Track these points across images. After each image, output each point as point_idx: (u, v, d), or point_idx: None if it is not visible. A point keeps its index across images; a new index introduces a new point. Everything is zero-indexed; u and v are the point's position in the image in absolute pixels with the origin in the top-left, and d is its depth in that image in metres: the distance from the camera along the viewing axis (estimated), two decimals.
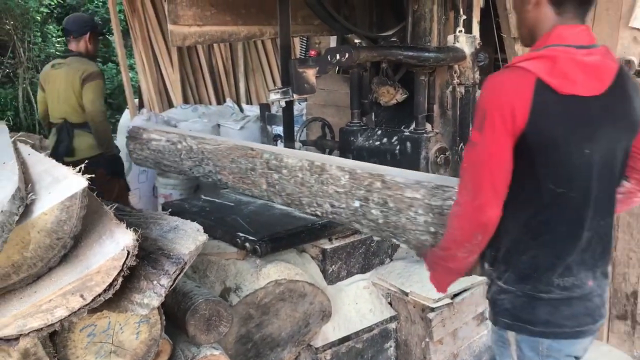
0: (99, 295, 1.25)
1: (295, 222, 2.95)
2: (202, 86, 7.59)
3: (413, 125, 3.39)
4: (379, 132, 3.69)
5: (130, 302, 1.39)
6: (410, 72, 3.35)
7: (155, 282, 1.40)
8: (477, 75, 3.10)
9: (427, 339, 2.89)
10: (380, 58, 3.04)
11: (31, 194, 1.31)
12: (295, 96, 2.92)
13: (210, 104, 7.51)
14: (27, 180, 1.44)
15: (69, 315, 1.24)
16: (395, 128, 3.58)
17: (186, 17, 3.02)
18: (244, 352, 2.65)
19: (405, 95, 3.47)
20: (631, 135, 1.73)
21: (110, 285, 1.26)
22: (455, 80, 3.11)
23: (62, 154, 4.13)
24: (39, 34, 10.64)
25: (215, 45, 7.56)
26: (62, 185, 1.33)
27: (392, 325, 3.04)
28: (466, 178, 1.69)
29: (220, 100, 7.63)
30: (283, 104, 3.03)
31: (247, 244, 2.65)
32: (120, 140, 7.15)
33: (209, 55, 7.57)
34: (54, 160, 1.71)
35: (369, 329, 2.94)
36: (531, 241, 1.67)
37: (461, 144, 3.24)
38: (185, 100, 7.35)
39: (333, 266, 2.96)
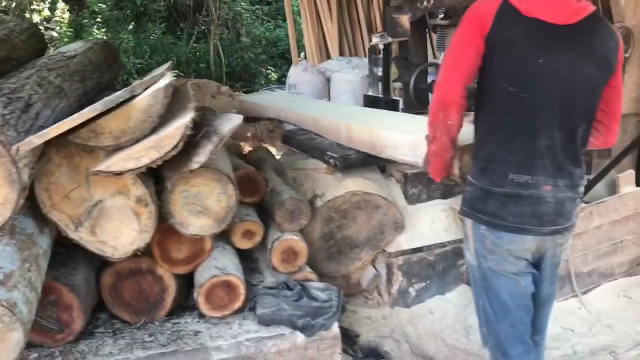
0: (168, 152, 1.93)
1: None
2: (358, 39, 8.15)
3: None
4: None
5: (190, 161, 2.05)
6: None
7: (205, 148, 2.05)
8: None
9: None
10: (465, 4, 3.35)
11: (139, 91, 2.04)
12: (389, 39, 3.38)
13: (365, 56, 8.05)
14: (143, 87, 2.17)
15: (149, 162, 1.93)
16: None
17: None
18: (327, 247, 3.26)
19: None
20: (604, 73, 1.97)
21: (175, 146, 1.92)
22: None
23: None
24: None
25: None
26: (157, 84, 2.04)
27: None
28: (441, 65, 2.06)
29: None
30: (382, 46, 3.50)
31: (331, 160, 3.22)
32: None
33: (367, 9, 8.08)
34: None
35: (442, 244, 3.37)
36: (489, 136, 1.96)
37: None
38: (342, 53, 7.98)
39: (414, 189, 3.42)
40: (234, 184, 2.36)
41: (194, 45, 11.96)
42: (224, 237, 3.00)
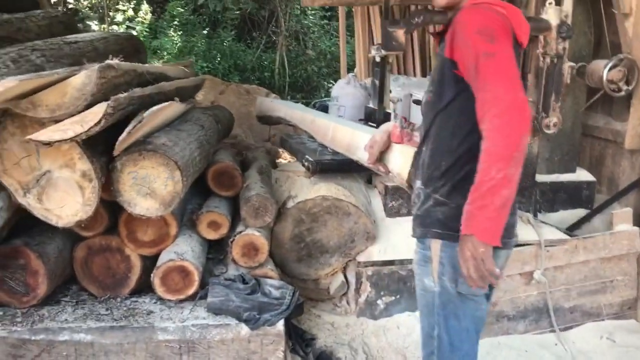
0: (91, 127, 2.06)
1: None
2: (409, 59, 8.15)
3: None
4: None
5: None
6: None
7: (127, 128, 2.19)
8: (561, 47, 3.18)
9: None
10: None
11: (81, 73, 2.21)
12: (383, 52, 3.41)
13: (415, 76, 8.03)
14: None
15: (74, 136, 2.06)
16: None
17: None
18: (298, 249, 3.31)
19: None
20: None
21: (98, 122, 2.06)
22: (539, 50, 3.24)
23: None
24: (298, 7, 12.23)
25: None
26: (93, 67, 2.22)
27: None
28: (500, 81, 1.70)
29: (425, 73, 8.09)
30: (378, 58, 3.53)
31: (305, 163, 3.28)
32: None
33: (422, 33, 8.07)
34: None
35: None
36: (469, 156, 1.81)
37: (542, 114, 3.30)
38: (391, 71, 7.99)
39: (393, 202, 3.42)
40: (182, 171, 2.47)
41: (262, 54, 12.30)
42: (194, 226, 3.13)
